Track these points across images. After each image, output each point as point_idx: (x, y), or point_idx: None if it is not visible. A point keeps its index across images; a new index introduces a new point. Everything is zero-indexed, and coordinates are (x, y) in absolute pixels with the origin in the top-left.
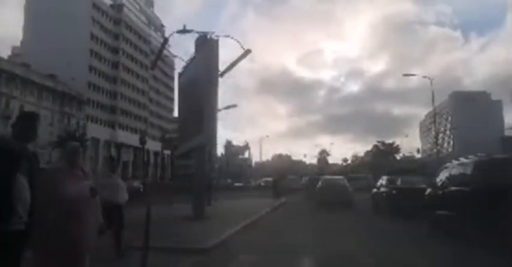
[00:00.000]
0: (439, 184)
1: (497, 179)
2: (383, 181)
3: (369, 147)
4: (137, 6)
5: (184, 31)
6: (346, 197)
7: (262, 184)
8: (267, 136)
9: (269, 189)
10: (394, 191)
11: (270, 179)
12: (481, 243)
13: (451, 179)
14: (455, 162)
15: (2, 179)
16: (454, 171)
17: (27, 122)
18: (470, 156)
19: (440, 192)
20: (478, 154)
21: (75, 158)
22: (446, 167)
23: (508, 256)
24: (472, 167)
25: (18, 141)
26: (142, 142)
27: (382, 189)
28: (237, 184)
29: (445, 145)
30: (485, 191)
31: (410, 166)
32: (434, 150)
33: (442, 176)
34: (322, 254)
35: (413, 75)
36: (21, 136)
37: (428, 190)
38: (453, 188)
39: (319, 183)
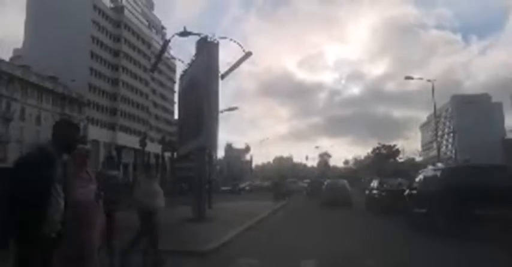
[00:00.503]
0: (416, 186)
1: (460, 183)
2: (374, 183)
3: (370, 150)
4: (138, 9)
5: (184, 33)
6: (347, 197)
7: (247, 188)
8: (267, 139)
9: (254, 193)
10: (382, 193)
11: (257, 182)
12: (449, 235)
13: (424, 182)
14: (428, 168)
15: (41, 188)
16: (427, 176)
17: (67, 130)
18: (438, 164)
19: (416, 193)
20: (447, 162)
21: (83, 161)
22: (421, 173)
23: (469, 244)
24: (440, 173)
25: (55, 149)
26: (143, 144)
27: (373, 191)
28: (224, 188)
29: (449, 147)
30: (450, 192)
31: (404, 169)
32: (431, 154)
33: (418, 180)
34: (321, 252)
35: (414, 78)
36: (61, 145)
37: (407, 191)
38: (426, 190)
39: (324, 185)
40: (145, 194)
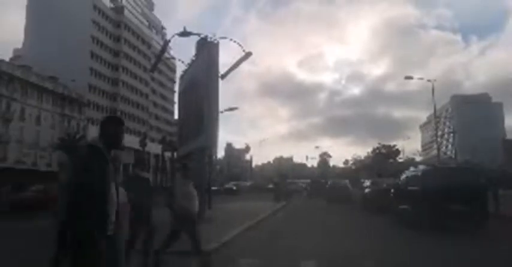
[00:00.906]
0: (399, 186)
1: (436, 183)
2: (366, 183)
3: (370, 150)
4: (138, 9)
5: (184, 33)
6: (348, 196)
7: (234, 188)
8: (267, 139)
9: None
10: (372, 192)
11: (238, 182)
12: (430, 228)
13: (406, 182)
14: (411, 169)
15: (100, 187)
16: (409, 177)
17: (115, 128)
18: (420, 166)
19: (400, 192)
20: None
21: (116, 164)
22: (404, 173)
23: (446, 235)
24: (421, 173)
25: (105, 147)
26: (143, 144)
27: (366, 190)
28: (213, 188)
29: (449, 147)
30: (428, 191)
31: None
32: (431, 154)
33: (402, 180)
34: (321, 252)
35: (414, 78)
36: (109, 143)
37: (392, 190)
38: (409, 188)
39: (328, 185)
40: (183, 196)
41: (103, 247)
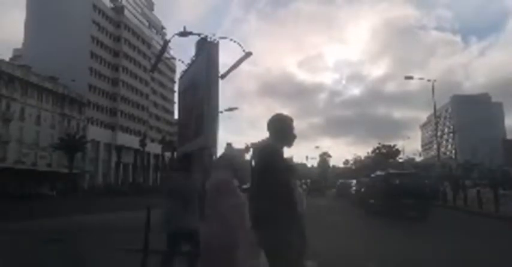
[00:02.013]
0: (368, 185)
1: (392, 183)
2: (353, 183)
3: (370, 150)
4: (138, 9)
5: (184, 33)
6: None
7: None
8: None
9: None
10: (355, 189)
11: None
12: (387, 216)
13: (374, 183)
14: (376, 173)
15: (291, 186)
16: (375, 178)
17: (291, 125)
18: (378, 172)
19: (369, 190)
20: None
21: (236, 170)
22: (371, 176)
23: (400, 221)
24: (382, 177)
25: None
26: (143, 144)
27: (353, 188)
28: None
29: (448, 147)
30: (387, 189)
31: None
32: (431, 154)
33: (370, 181)
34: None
35: (414, 78)
36: (284, 141)
37: (363, 189)
38: (374, 188)
39: (338, 183)
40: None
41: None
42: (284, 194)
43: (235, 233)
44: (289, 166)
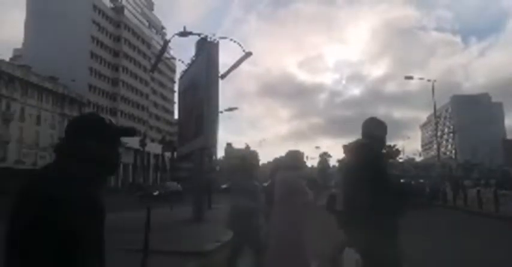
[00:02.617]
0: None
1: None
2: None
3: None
4: (138, 9)
5: (184, 33)
6: None
7: (156, 193)
8: (266, 139)
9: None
10: None
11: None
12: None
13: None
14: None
15: None
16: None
17: (385, 131)
18: None
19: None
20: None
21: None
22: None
23: (402, 222)
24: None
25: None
26: (143, 144)
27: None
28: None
29: (448, 147)
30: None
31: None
32: (431, 154)
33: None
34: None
35: (414, 77)
36: (381, 146)
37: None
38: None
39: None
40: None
41: None
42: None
43: (303, 229)
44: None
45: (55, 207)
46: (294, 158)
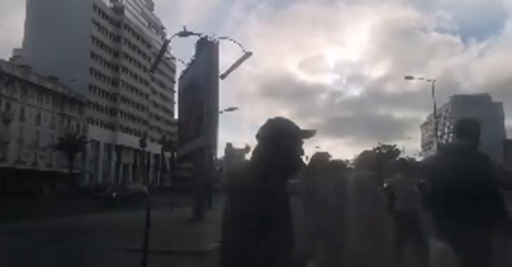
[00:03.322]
0: None
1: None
2: None
3: (370, 150)
4: (138, 9)
5: (184, 33)
6: None
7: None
8: None
9: None
10: None
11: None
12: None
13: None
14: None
15: None
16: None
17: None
18: None
19: None
20: None
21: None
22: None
23: None
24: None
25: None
26: (143, 144)
27: None
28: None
29: None
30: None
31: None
32: (431, 154)
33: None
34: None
35: (414, 78)
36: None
37: None
38: None
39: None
40: (407, 197)
41: None
42: None
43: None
44: None
45: (258, 196)
46: (367, 158)
